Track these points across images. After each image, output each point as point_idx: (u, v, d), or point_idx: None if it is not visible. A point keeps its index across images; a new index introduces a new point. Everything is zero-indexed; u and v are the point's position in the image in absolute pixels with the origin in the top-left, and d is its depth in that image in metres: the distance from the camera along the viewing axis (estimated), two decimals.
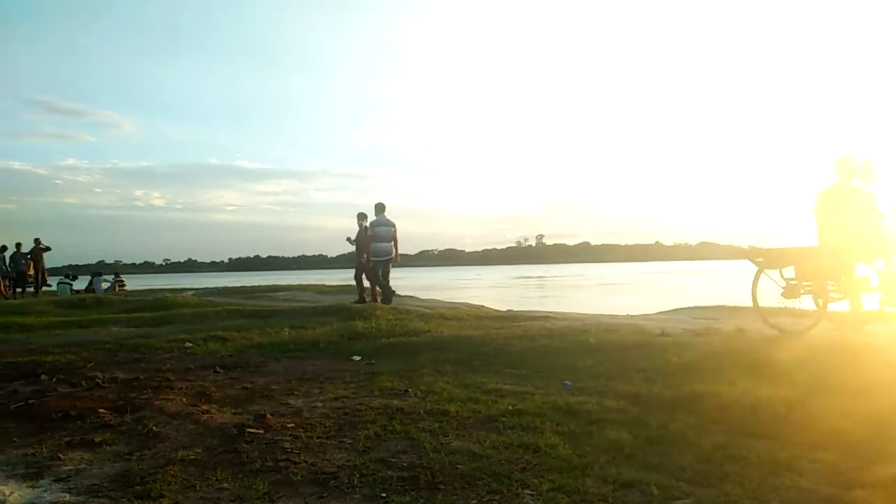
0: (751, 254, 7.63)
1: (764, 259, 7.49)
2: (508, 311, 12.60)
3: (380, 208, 12.69)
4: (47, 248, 21.30)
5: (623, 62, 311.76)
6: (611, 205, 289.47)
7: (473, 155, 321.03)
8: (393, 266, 12.79)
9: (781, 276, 7.39)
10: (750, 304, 7.66)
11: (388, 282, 12.70)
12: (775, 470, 3.18)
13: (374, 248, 12.44)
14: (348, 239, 13.27)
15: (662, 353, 6.13)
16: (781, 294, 7.32)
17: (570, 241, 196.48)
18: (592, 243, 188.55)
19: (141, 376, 5.97)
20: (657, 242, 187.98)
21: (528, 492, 2.94)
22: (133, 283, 30.65)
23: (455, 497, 2.90)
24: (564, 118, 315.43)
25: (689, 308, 12.15)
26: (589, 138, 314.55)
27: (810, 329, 7.17)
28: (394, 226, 12.62)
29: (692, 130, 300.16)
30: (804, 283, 7.25)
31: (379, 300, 12.59)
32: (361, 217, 13.05)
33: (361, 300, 12.83)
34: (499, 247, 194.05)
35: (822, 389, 4.48)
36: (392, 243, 12.57)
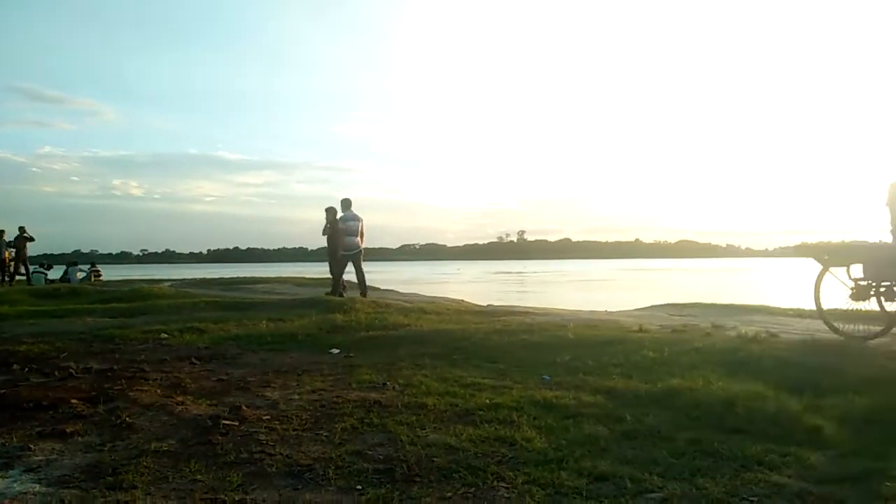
0: (815, 250, 6.84)
1: (830, 256, 6.74)
2: (489, 305, 12.65)
3: (346, 204, 13.01)
4: (31, 238, 20.92)
5: (605, 61, 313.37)
6: (592, 202, 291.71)
7: (456, 150, 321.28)
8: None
9: (849, 275, 6.66)
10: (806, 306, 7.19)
11: (363, 275, 13.03)
12: (747, 464, 3.21)
13: (343, 242, 12.77)
14: (324, 233, 13.35)
15: (640, 349, 6.18)
16: (849, 296, 6.61)
17: (552, 238, 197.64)
18: (573, 240, 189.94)
19: (115, 367, 5.90)
20: (637, 240, 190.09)
21: (504, 485, 2.94)
22: (109, 273, 30.26)
23: (431, 490, 2.90)
24: (546, 115, 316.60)
25: (666, 305, 12.28)
26: (571, 135, 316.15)
27: (881, 335, 6.47)
28: (361, 220, 12.99)
29: (673, 130, 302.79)
30: (875, 284, 6.50)
31: (338, 294, 12.81)
32: (331, 211, 13.17)
33: (338, 293, 12.91)
34: (480, 242, 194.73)
35: (798, 386, 4.54)
36: (359, 237, 12.90)
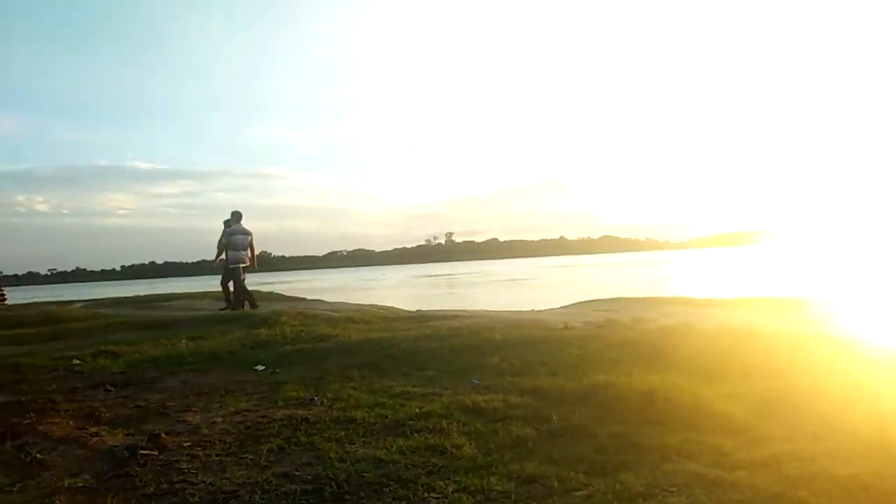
0: None
1: None
2: (418, 311, 12.64)
3: (236, 216, 12.93)
4: None
5: (525, 59, 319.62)
6: (516, 200, 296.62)
7: (381, 153, 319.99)
8: (248, 272, 13.04)
9: None
10: None
11: (245, 288, 12.88)
12: (667, 455, 3.34)
13: (229, 256, 12.68)
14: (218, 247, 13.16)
15: (565, 347, 6.32)
16: None
17: (479, 238, 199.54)
18: (500, 239, 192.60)
19: (23, 399, 5.53)
20: (562, 237, 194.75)
21: (434, 495, 2.95)
22: (14, 295, 28.39)
23: None
24: (467, 115, 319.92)
25: (591, 301, 12.64)
26: (494, 134, 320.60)
27: None
28: (250, 234, 12.95)
29: (591, 126, 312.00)
30: None
31: (246, 306, 12.64)
32: (226, 225, 13.07)
33: (231, 306, 12.73)
34: (409, 245, 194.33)
35: (712, 375, 4.76)
36: (248, 251, 12.83)
